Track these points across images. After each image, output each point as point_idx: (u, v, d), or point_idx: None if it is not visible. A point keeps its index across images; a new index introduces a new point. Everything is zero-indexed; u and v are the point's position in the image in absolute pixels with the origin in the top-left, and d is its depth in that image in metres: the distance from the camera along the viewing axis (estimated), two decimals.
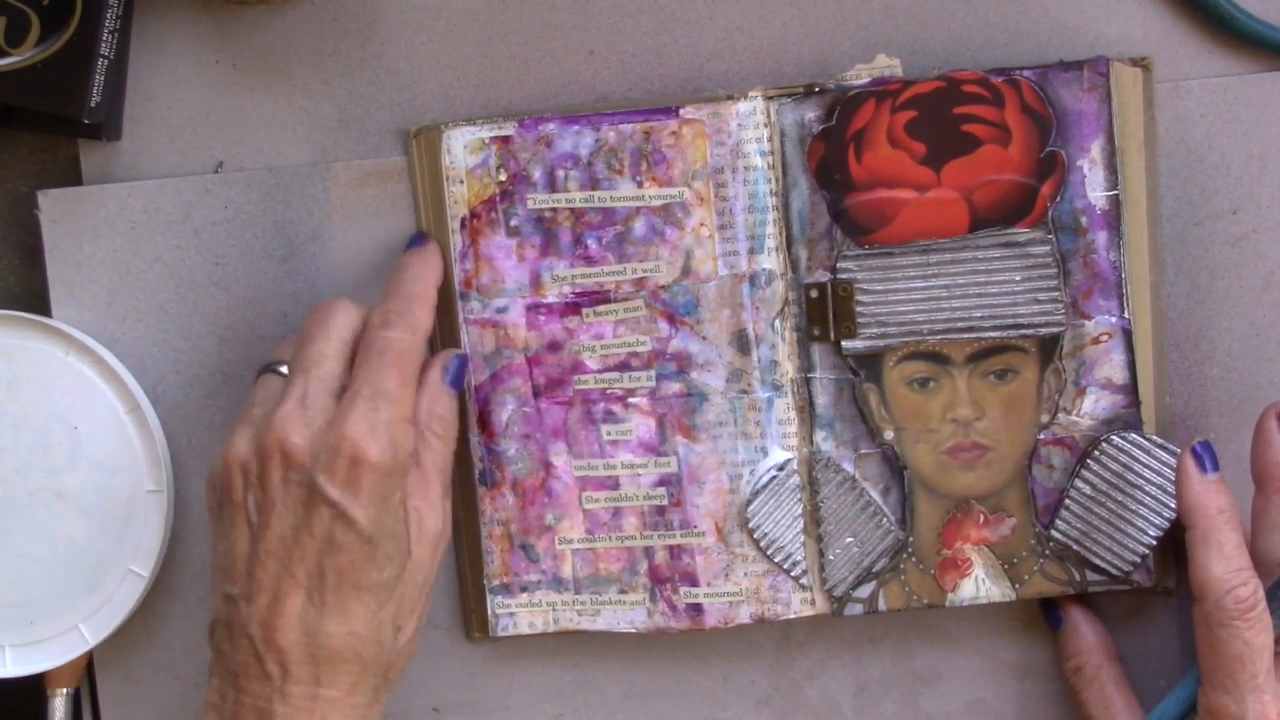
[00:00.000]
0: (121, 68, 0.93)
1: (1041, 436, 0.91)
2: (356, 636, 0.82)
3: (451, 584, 0.96)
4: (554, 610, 0.94)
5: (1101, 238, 0.90)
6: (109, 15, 0.90)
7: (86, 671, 0.97)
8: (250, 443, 0.84)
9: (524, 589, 0.94)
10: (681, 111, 0.91)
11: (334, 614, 0.82)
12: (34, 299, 0.96)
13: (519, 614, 0.94)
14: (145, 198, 0.95)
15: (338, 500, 0.81)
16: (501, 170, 0.92)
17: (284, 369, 0.88)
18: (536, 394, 0.93)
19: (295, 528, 0.82)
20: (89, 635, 0.93)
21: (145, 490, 0.93)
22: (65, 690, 0.96)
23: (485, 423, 0.93)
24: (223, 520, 0.85)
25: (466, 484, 0.94)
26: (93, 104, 0.90)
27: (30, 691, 0.96)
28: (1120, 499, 0.90)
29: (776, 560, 0.92)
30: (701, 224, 0.92)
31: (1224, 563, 0.84)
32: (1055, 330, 0.90)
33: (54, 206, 0.95)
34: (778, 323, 0.92)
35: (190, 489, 0.96)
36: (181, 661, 0.96)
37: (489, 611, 0.94)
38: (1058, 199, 0.90)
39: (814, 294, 0.91)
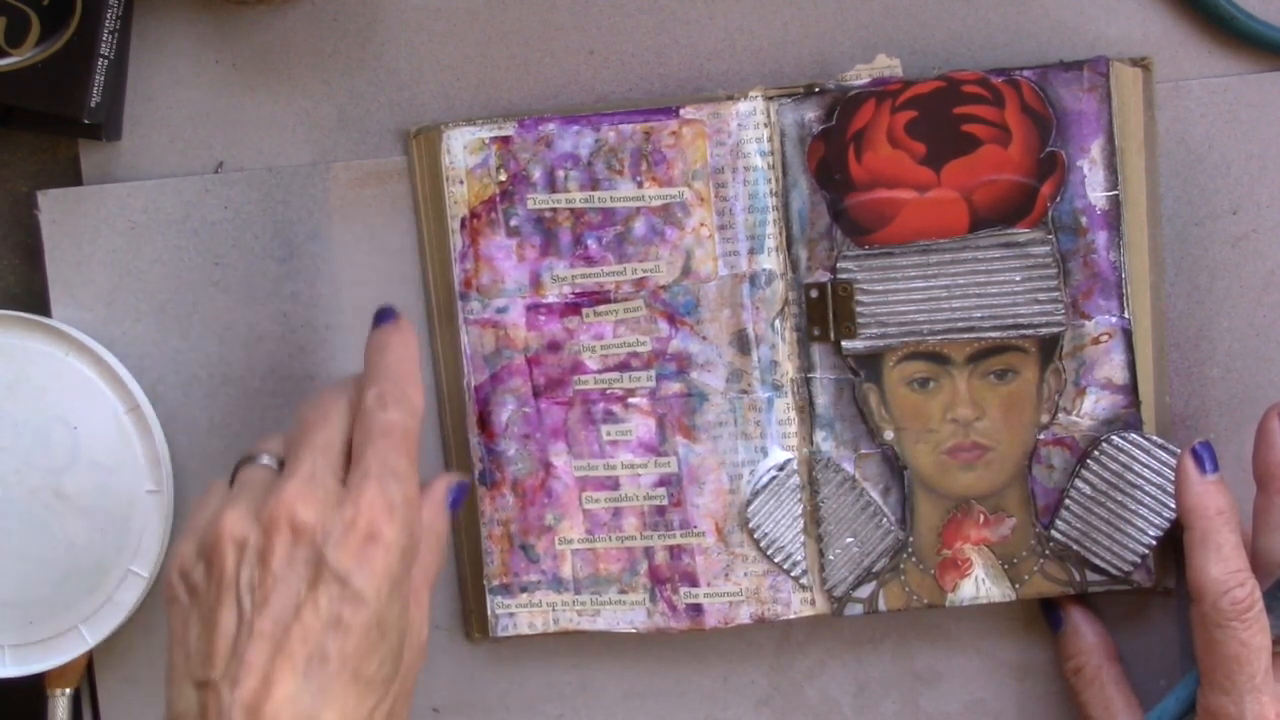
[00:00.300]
0: (121, 68, 0.94)
1: (1041, 436, 0.91)
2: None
3: (451, 584, 0.96)
4: (554, 610, 0.94)
5: (1101, 238, 0.90)
6: (109, 15, 0.90)
7: (87, 671, 0.97)
8: (247, 517, 0.79)
9: (524, 589, 0.94)
10: (681, 111, 0.92)
11: (332, 703, 0.76)
12: (34, 299, 0.96)
13: (519, 614, 0.94)
14: (145, 198, 0.95)
15: (348, 577, 0.77)
16: (501, 170, 0.92)
17: (265, 460, 0.83)
18: (536, 394, 0.93)
19: (298, 606, 0.77)
20: (89, 636, 0.93)
21: (145, 490, 0.93)
22: (66, 690, 0.96)
23: (485, 423, 0.94)
24: (199, 605, 0.79)
25: None
26: (93, 104, 0.91)
27: (31, 691, 0.96)
28: (1120, 499, 0.91)
29: (776, 560, 0.93)
30: (701, 224, 0.92)
31: (1222, 564, 0.84)
32: (1055, 330, 0.91)
33: (53, 207, 0.95)
34: (778, 323, 0.92)
35: (190, 489, 0.96)
36: None
37: (489, 612, 0.95)
38: (1058, 199, 0.90)
39: (814, 294, 0.92)
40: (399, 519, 0.78)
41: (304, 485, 0.79)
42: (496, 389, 0.94)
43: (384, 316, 0.87)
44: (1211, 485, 0.85)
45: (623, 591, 0.94)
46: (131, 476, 0.93)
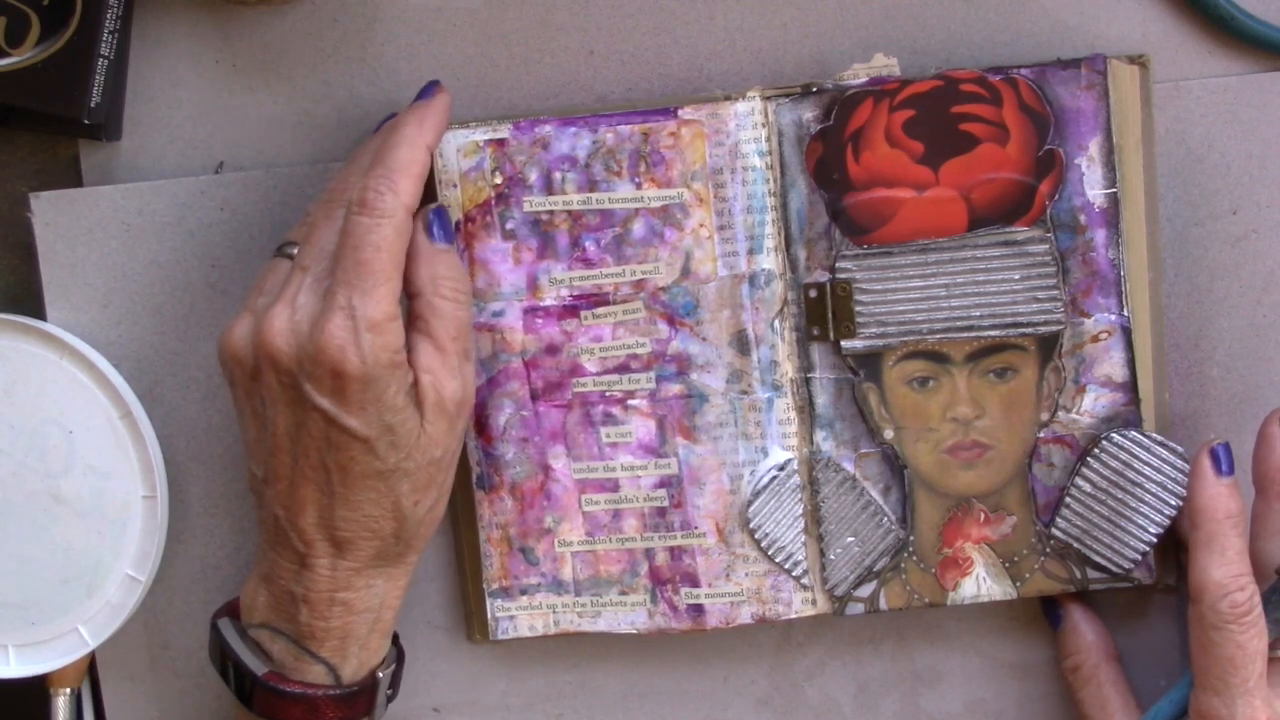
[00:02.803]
0: (121, 68, 0.95)
1: (1041, 435, 0.93)
2: (370, 518, 0.87)
3: (452, 585, 0.98)
4: (554, 613, 0.96)
5: (1100, 235, 0.92)
6: (109, 15, 0.91)
7: (89, 670, 0.99)
8: (247, 337, 0.86)
9: (524, 592, 0.96)
10: (680, 112, 0.93)
11: (343, 503, 0.86)
12: (34, 299, 0.97)
13: (519, 617, 0.96)
14: (140, 200, 0.96)
15: (326, 409, 0.84)
16: (497, 173, 0.93)
17: (294, 250, 0.89)
18: (534, 397, 0.95)
19: (296, 425, 0.86)
20: (89, 637, 0.95)
21: (140, 496, 0.95)
22: (68, 690, 0.98)
23: (482, 426, 0.95)
24: (235, 397, 0.89)
25: (465, 488, 0.96)
26: (93, 104, 0.92)
27: (33, 690, 0.97)
28: (1121, 496, 0.93)
29: (778, 560, 0.94)
30: (701, 225, 0.93)
31: (1225, 567, 0.86)
32: (1054, 328, 0.92)
33: (47, 209, 0.96)
34: (777, 323, 0.94)
35: (189, 491, 0.98)
36: (183, 660, 0.98)
37: (489, 615, 0.96)
38: (1056, 197, 0.92)
39: (813, 294, 0.93)
40: (362, 348, 0.84)
41: (284, 310, 0.85)
42: (494, 392, 0.95)
43: (423, 92, 0.92)
44: (1225, 488, 0.87)
45: (623, 593, 0.95)
46: (126, 481, 0.95)
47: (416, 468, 0.87)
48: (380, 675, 0.91)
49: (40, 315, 0.97)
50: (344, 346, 0.83)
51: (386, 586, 0.90)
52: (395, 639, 0.94)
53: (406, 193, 0.86)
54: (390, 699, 0.93)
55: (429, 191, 0.92)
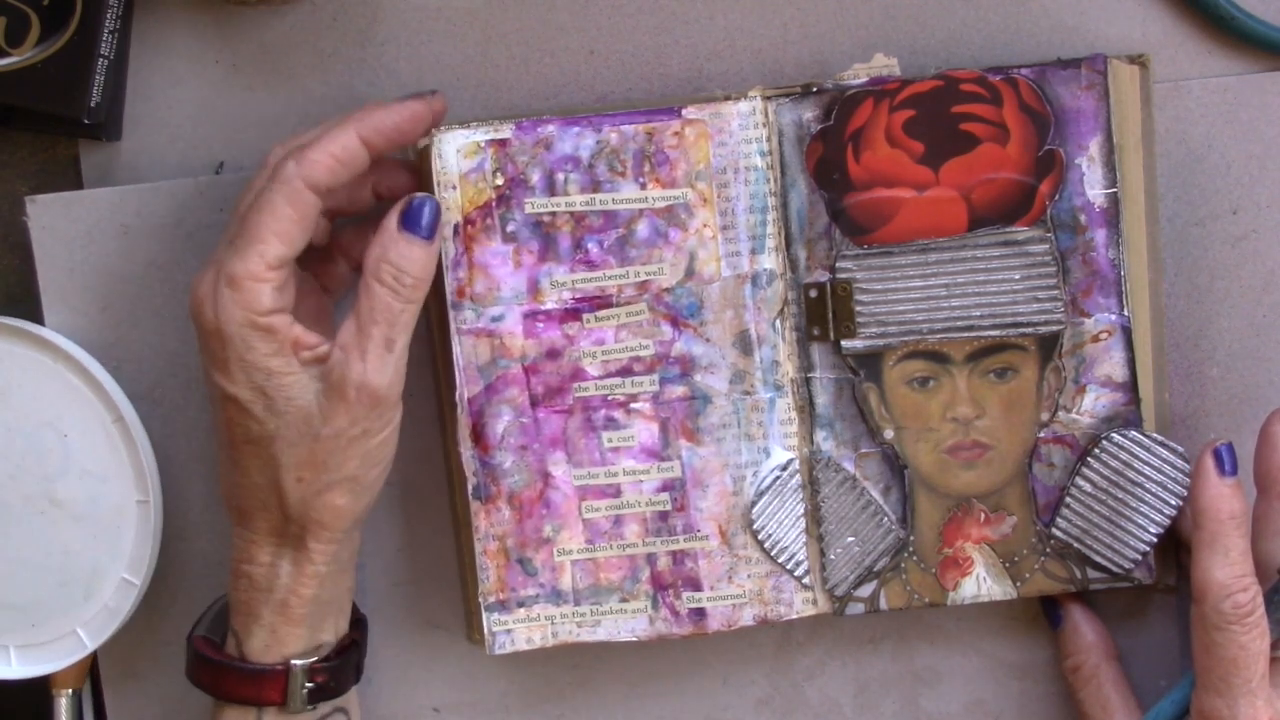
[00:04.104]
0: (121, 68, 0.96)
1: (1041, 434, 0.94)
2: (257, 486, 0.88)
3: (451, 586, 0.99)
4: (553, 624, 0.95)
5: (1100, 235, 0.93)
6: (109, 15, 0.93)
7: (90, 669, 1.00)
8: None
9: (521, 604, 0.95)
10: (684, 112, 0.93)
11: (233, 467, 0.88)
12: (34, 300, 0.98)
13: (516, 630, 0.96)
14: (138, 202, 0.97)
15: (204, 363, 0.87)
16: (498, 175, 0.93)
17: None
18: (534, 403, 0.95)
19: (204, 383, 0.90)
20: (87, 639, 0.96)
21: (134, 500, 0.96)
22: (69, 690, 0.99)
23: (479, 435, 0.95)
24: None
25: (461, 498, 0.96)
26: (93, 104, 0.93)
27: (35, 690, 0.99)
28: (1121, 496, 0.94)
29: (780, 561, 0.95)
30: (705, 225, 0.94)
31: (1227, 568, 0.87)
32: (1055, 328, 0.93)
33: (44, 212, 0.97)
34: (778, 323, 0.94)
35: (189, 492, 0.99)
36: (183, 659, 0.96)
37: (485, 629, 0.95)
38: (1056, 197, 0.93)
39: (813, 294, 0.94)
40: (216, 300, 0.86)
41: (210, 259, 0.88)
42: (491, 400, 0.95)
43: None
44: (1228, 488, 0.89)
45: (624, 600, 0.95)
46: (121, 485, 0.96)
47: (298, 439, 0.87)
48: (295, 665, 0.90)
49: (38, 318, 0.98)
50: (202, 300, 0.86)
51: (292, 573, 0.90)
52: (353, 644, 0.94)
53: (311, 164, 0.87)
54: (322, 696, 0.92)
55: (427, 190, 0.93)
